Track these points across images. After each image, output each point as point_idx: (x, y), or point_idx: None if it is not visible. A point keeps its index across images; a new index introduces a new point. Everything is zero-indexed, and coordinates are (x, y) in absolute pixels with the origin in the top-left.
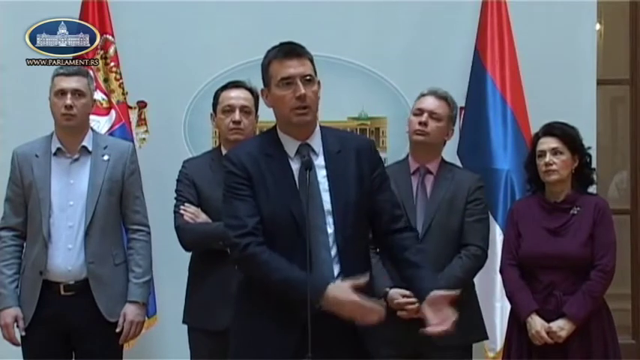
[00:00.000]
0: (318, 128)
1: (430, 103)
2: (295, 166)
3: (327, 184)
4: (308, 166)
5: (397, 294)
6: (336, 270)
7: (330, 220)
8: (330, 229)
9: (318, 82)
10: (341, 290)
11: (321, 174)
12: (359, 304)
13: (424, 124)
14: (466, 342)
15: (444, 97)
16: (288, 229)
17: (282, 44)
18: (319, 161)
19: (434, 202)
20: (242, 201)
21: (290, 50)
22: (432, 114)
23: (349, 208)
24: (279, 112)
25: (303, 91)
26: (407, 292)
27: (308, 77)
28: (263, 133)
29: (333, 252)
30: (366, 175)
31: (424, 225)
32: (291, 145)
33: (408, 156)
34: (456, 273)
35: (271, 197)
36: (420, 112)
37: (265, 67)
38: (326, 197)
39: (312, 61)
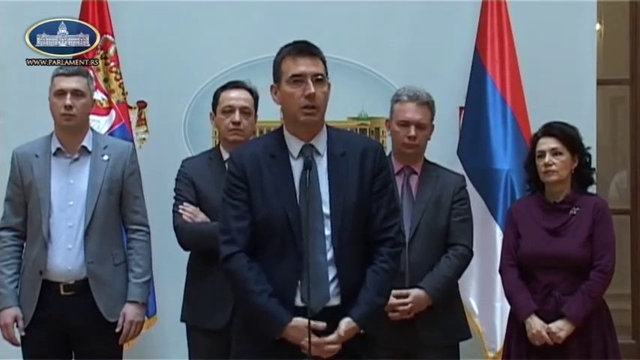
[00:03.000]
0: (324, 129)
1: (414, 113)
2: (297, 166)
3: (327, 186)
4: (308, 167)
5: None
6: (332, 273)
7: (327, 222)
8: (328, 232)
9: (329, 84)
10: (297, 331)
11: (323, 176)
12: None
13: (413, 138)
14: (453, 341)
15: (426, 102)
16: (282, 230)
17: (296, 42)
18: (322, 163)
19: (421, 202)
20: (232, 205)
21: (304, 48)
22: (418, 125)
23: (348, 211)
24: (286, 110)
25: (312, 90)
26: (398, 293)
27: (319, 77)
28: (270, 133)
29: (329, 255)
30: (367, 178)
31: (412, 225)
32: (295, 145)
33: (390, 155)
34: (445, 273)
35: (267, 198)
36: (405, 124)
37: (277, 63)
38: (325, 199)
39: (324, 62)
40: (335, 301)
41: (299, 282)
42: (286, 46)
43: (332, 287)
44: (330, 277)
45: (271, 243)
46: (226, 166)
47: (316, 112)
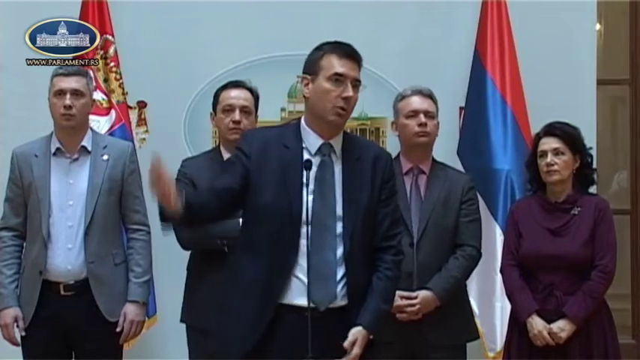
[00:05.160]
0: (341, 132)
1: (421, 102)
2: (312, 162)
3: (341, 186)
4: (308, 167)
5: (396, 296)
6: (340, 272)
7: (339, 222)
8: (339, 231)
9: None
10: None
11: (338, 176)
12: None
13: (424, 124)
14: (460, 342)
15: (429, 95)
16: (285, 223)
17: (341, 43)
18: (338, 163)
19: (429, 202)
20: (226, 171)
21: (352, 52)
22: (426, 113)
23: (360, 212)
24: (316, 105)
25: (351, 93)
26: (405, 294)
27: (356, 83)
28: (285, 125)
29: (339, 254)
30: (378, 183)
31: (420, 225)
32: (313, 142)
33: (399, 156)
34: (454, 273)
35: (273, 188)
36: (414, 113)
37: (319, 56)
38: (339, 199)
39: (360, 70)
40: (342, 302)
41: (299, 279)
42: (329, 43)
43: (339, 287)
44: (339, 276)
45: (270, 233)
46: None
47: (345, 115)
